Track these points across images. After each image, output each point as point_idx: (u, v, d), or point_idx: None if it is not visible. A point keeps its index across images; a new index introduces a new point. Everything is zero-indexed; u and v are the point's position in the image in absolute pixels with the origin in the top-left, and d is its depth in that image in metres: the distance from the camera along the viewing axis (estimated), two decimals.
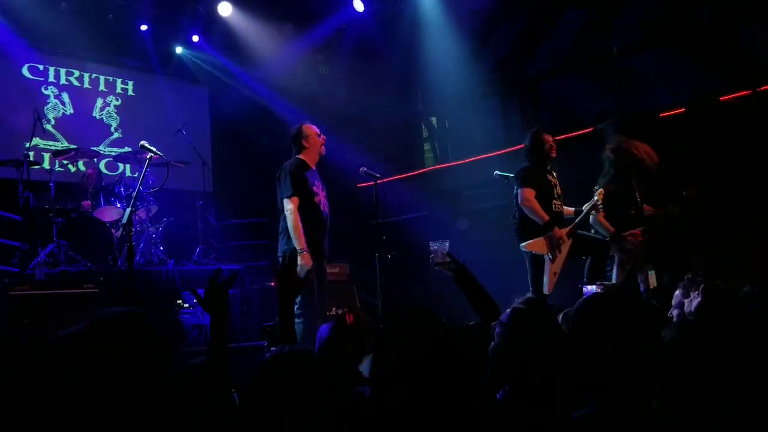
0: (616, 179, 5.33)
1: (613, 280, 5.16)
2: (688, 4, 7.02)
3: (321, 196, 4.91)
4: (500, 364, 2.35)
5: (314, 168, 5.00)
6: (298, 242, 4.62)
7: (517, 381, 2.01)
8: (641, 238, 5.20)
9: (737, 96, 6.22)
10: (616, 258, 5.33)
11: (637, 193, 5.33)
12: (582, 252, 5.30)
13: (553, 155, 5.37)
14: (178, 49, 9.75)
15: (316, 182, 4.92)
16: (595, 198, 5.20)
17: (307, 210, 4.76)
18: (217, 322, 2.45)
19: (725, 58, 6.70)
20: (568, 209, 5.43)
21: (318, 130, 5.04)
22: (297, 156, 4.98)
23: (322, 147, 5.03)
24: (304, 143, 4.97)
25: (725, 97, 6.29)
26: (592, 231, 5.40)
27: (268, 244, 9.08)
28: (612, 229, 5.26)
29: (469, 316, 4.15)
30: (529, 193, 5.15)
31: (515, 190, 5.31)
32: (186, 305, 6.94)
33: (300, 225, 4.65)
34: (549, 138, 5.39)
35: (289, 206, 4.70)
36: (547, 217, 5.11)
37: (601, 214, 5.31)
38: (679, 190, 5.31)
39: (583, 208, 5.30)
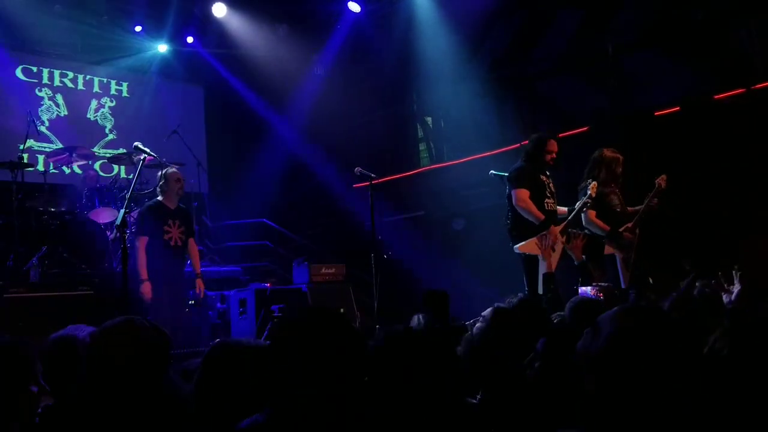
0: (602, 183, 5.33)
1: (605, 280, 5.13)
2: (683, 4, 7.03)
3: (173, 232, 5.62)
4: (477, 366, 2.27)
5: (174, 206, 5.73)
6: (140, 274, 5.45)
7: (495, 387, 1.93)
8: (635, 233, 5.21)
9: (732, 94, 6.24)
10: (617, 259, 5.33)
11: (618, 196, 5.40)
12: None
13: (551, 164, 5.31)
14: (173, 51, 9.71)
15: (170, 220, 5.63)
16: (589, 191, 5.12)
17: (155, 245, 5.53)
18: None
19: (719, 57, 6.71)
20: (561, 208, 5.40)
21: (178, 177, 5.77)
22: (157, 197, 5.76)
23: (180, 190, 5.78)
24: (164, 187, 5.71)
25: (719, 96, 6.30)
26: (586, 231, 5.37)
27: (264, 244, 9.09)
28: (607, 227, 5.25)
29: (467, 316, 4.15)
30: (524, 194, 5.13)
31: (508, 191, 5.28)
32: None
33: (144, 261, 5.48)
34: (554, 146, 5.30)
35: (137, 244, 5.55)
36: (542, 217, 5.09)
37: (593, 213, 5.28)
38: (652, 179, 5.30)
39: (576, 206, 5.28)
